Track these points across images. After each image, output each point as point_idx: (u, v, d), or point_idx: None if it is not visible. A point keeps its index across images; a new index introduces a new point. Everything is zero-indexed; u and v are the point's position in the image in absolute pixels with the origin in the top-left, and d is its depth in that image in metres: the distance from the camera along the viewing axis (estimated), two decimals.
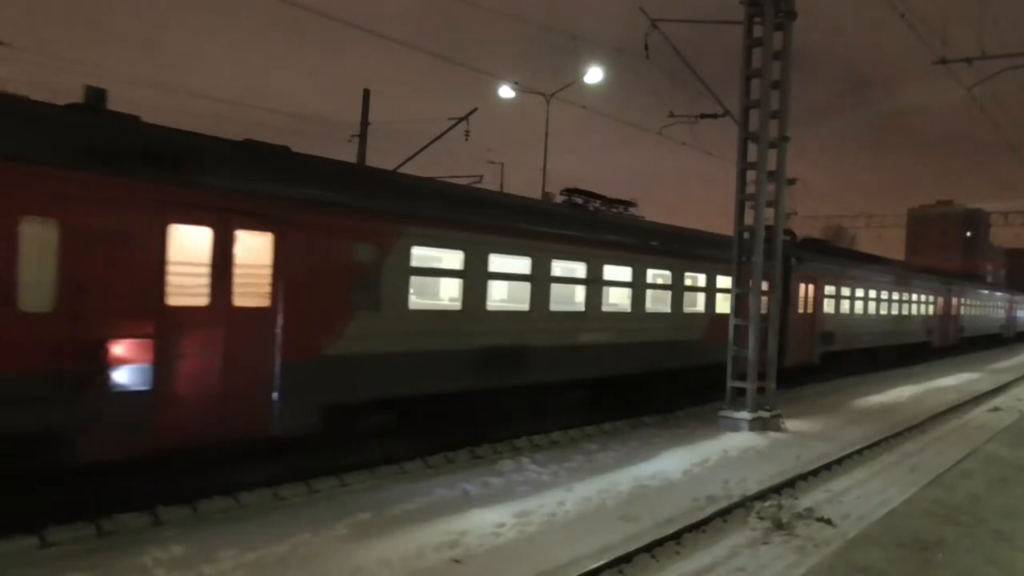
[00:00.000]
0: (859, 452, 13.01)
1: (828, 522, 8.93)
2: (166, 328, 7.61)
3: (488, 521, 8.34)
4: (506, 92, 24.84)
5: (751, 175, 15.04)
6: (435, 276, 11.14)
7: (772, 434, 14.36)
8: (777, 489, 10.24)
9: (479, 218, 11.00)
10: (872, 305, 26.27)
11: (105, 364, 7.17)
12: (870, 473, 11.81)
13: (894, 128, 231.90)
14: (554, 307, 12.32)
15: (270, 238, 8.45)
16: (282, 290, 8.54)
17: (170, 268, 7.63)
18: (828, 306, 22.47)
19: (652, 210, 14.98)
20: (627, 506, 9.22)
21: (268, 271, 8.47)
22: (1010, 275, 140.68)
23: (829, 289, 22.54)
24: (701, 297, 16.65)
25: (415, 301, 10.36)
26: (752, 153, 15.00)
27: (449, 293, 12.08)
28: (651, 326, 14.85)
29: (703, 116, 17.72)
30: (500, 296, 12.39)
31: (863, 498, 10.18)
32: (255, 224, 8.31)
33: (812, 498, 10.07)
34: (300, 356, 8.71)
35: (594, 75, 23.71)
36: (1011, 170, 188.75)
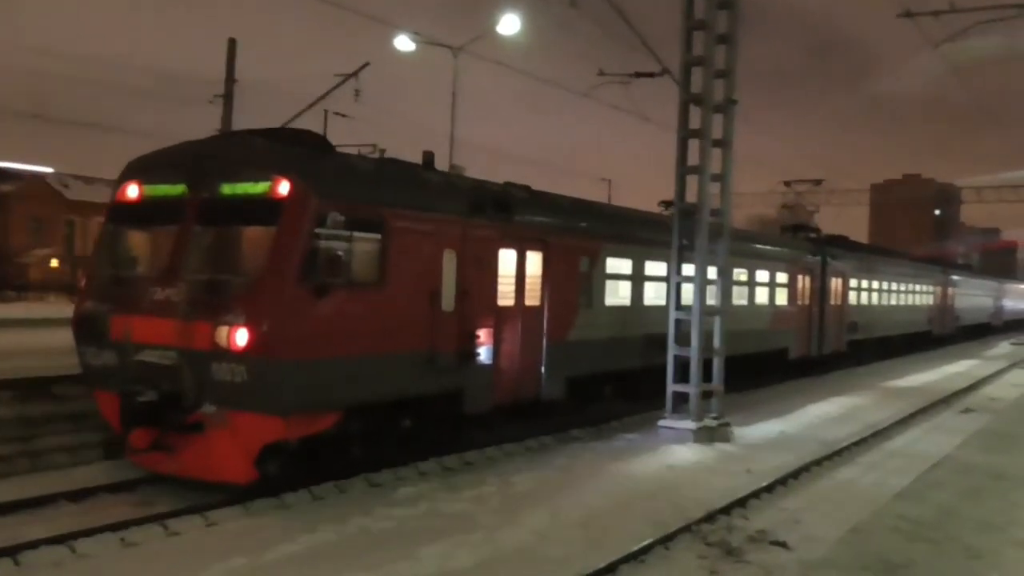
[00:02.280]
0: (818, 463, 13.49)
1: (783, 545, 9.22)
2: (498, 321, 12.65)
3: None
4: (404, 44, 24.66)
5: (694, 144, 15.35)
6: (618, 280, 16.04)
7: (720, 445, 14.74)
8: (726, 509, 10.52)
9: (641, 233, 16.34)
10: (886, 296, 32.87)
11: (475, 346, 12.07)
12: (832, 486, 12.26)
13: (857, 94, 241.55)
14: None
15: (540, 256, 13.69)
16: (547, 293, 13.77)
17: (500, 280, 12.73)
18: (853, 298, 28.63)
19: (582, 185, 15.25)
20: (548, 539, 9.29)
21: (539, 280, 13.71)
22: (983, 258, 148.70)
23: (853, 283, 28.61)
24: (768, 291, 22.05)
25: (608, 300, 15.52)
26: (695, 119, 15.32)
27: (623, 293, 16.30)
28: (742, 316, 19.77)
29: (638, 75, 18.01)
30: (652, 294, 16.86)
31: (822, 516, 10.56)
32: (535, 246, 13.57)
33: (766, 518, 10.39)
34: (555, 341, 13.92)
35: (509, 25, 23.73)
36: (984, 140, 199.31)
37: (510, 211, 12.94)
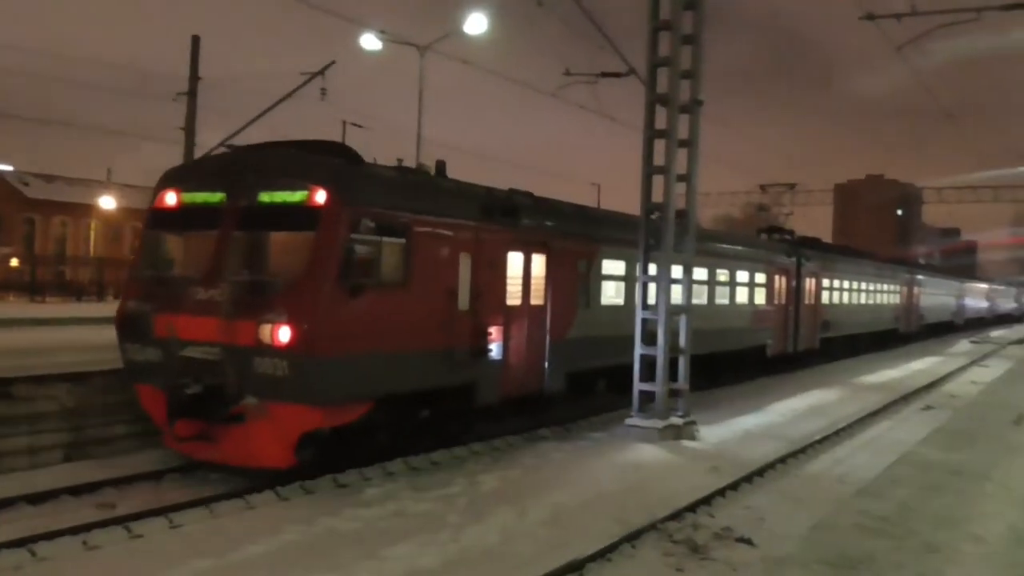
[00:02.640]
0: (782, 460, 13.67)
1: (748, 542, 9.35)
2: (506, 320, 13.50)
3: None
4: (371, 43, 24.57)
5: (661, 144, 15.47)
6: (612, 280, 16.87)
7: (686, 444, 14.89)
8: (692, 507, 10.63)
9: (633, 236, 16.04)
10: (856, 296, 34.25)
11: (487, 343, 12.95)
12: (796, 483, 12.43)
13: (822, 96, 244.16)
14: None
15: (544, 259, 14.50)
16: (549, 293, 14.59)
17: (507, 281, 13.59)
18: (825, 298, 30.04)
19: (551, 185, 15.37)
20: (515, 538, 9.34)
21: (543, 281, 14.51)
22: (944, 257, 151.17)
23: (825, 283, 30.05)
24: (749, 291, 23.15)
25: (604, 299, 16.34)
26: (662, 119, 15.44)
27: (617, 293, 17.14)
28: (727, 315, 21.66)
29: (604, 75, 18.11)
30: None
31: (786, 513, 10.71)
32: (539, 249, 14.39)
33: (731, 515, 10.52)
34: (557, 338, 14.73)
35: (476, 24, 23.74)
36: (945, 141, 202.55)
37: (517, 216, 13.92)
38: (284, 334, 10.17)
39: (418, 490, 11.11)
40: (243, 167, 11.40)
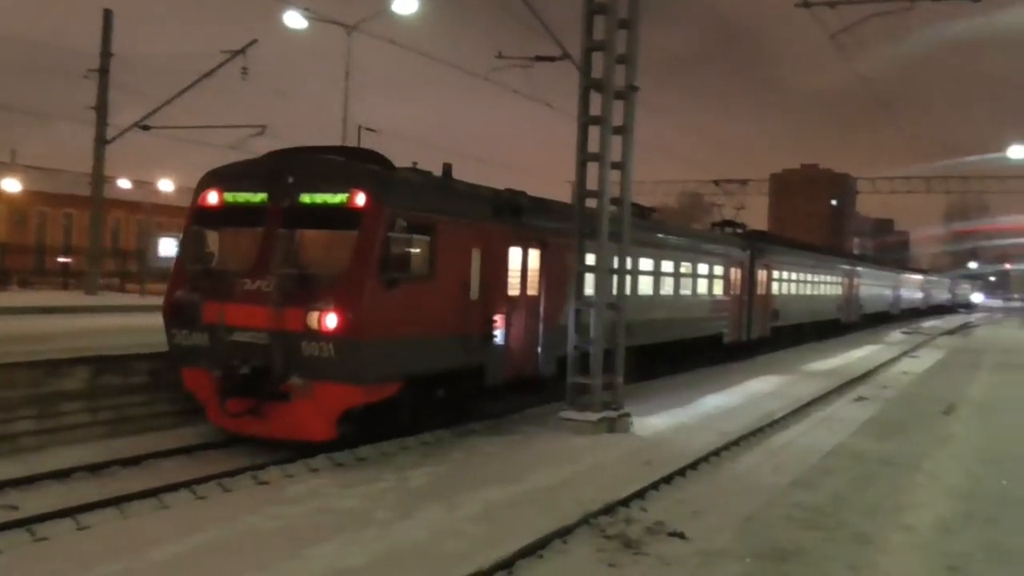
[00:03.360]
0: (716, 453, 13.91)
1: (681, 536, 9.49)
2: (508, 308, 15.08)
3: None
4: (295, 21, 24.21)
5: (595, 131, 15.56)
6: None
7: (620, 436, 15.06)
8: (625, 501, 10.75)
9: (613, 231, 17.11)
10: (802, 287, 36.91)
11: (492, 328, 14.47)
12: (729, 476, 12.66)
13: (758, 84, 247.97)
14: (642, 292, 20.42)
15: (539, 253, 16.00)
16: (544, 285, 16.10)
17: (509, 273, 15.19)
18: (775, 288, 32.44)
19: (482, 171, 15.37)
20: (444, 535, 9.34)
21: (539, 274, 16.05)
22: (877, 247, 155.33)
23: (775, 274, 32.44)
24: (708, 283, 25.19)
25: (589, 290, 16.67)
26: (597, 105, 15.53)
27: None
28: (689, 305, 23.87)
29: (538, 59, 18.11)
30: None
31: (719, 506, 10.90)
32: (536, 245, 15.87)
33: (665, 509, 10.66)
34: (549, 325, 16.26)
35: (405, 3, 23.56)
36: (880, 132, 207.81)
37: (520, 215, 15.43)
38: (331, 321, 11.73)
39: (344, 486, 11.03)
40: (283, 170, 12.73)
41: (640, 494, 11.18)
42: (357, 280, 12.01)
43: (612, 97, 15.37)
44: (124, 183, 56.00)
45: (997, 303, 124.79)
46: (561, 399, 16.66)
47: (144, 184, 57.21)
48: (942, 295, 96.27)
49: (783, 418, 17.53)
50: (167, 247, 33.22)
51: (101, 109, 27.50)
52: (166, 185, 55.10)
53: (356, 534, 9.12)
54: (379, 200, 12.29)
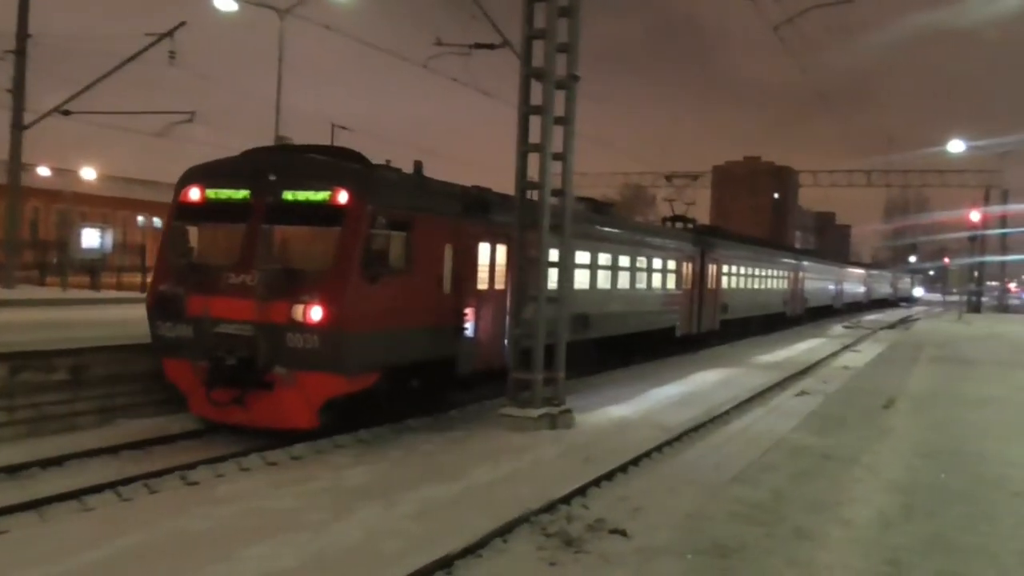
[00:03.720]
0: (659, 449, 14.07)
1: (623, 533, 9.57)
2: (477, 302, 15.70)
3: None
4: (225, 4, 23.80)
5: (536, 121, 15.57)
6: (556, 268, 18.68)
7: (562, 432, 15.13)
8: (566, 499, 10.81)
9: (580, 227, 19.01)
10: (750, 281, 38.47)
11: (464, 321, 15.17)
12: (671, 472, 12.81)
13: (702, 76, 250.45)
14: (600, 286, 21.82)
15: (506, 248, 16.50)
16: (510, 279, 16.44)
17: (478, 268, 15.73)
18: (724, 283, 33.79)
19: (424, 163, 15.19)
20: (381, 534, 9.30)
21: (505, 268, 16.58)
22: (819, 241, 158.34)
23: (725, 268, 33.86)
24: (661, 276, 26.46)
25: (552, 284, 17.29)
26: (537, 95, 15.54)
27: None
28: (645, 299, 25.04)
29: (477, 46, 18.07)
30: (580, 279, 20.20)
31: (661, 502, 11.01)
32: (503, 240, 16.39)
33: (605, 506, 10.74)
34: (516, 319, 16.20)
35: None
36: (822, 124, 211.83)
37: (488, 211, 16.11)
38: (316, 313, 12.47)
39: (277, 486, 10.91)
40: (265, 168, 13.44)
41: (581, 491, 11.26)
42: (341, 274, 12.75)
43: (553, 87, 15.40)
44: (44, 171, 54.60)
45: (936, 297, 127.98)
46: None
47: (65, 172, 55.86)
48: (884, 289, 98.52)
49: (726, 413, 17.79)
50: (90, 238, 32.41)
51: (18, 93, 26.73)
52: (88, 173, 53.83)
53: (289, 535, 9.02)
54: (361, 198, 13.00)
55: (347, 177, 13.22)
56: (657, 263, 26.35)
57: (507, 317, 16.62)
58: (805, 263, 52.44)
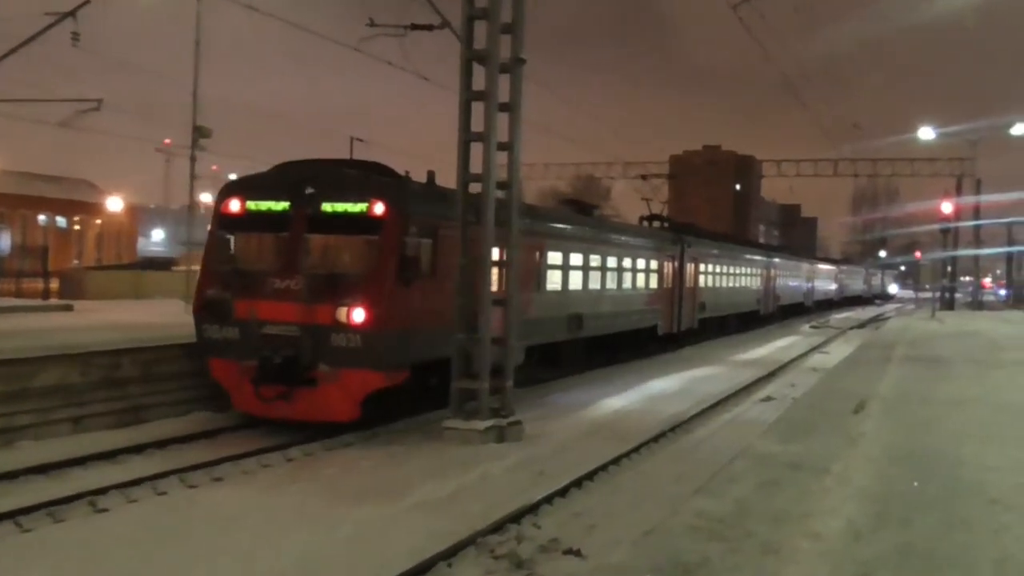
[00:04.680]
0: (615, 462, 14.15)
1: (577, 553, 9.62)
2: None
3: None
4: None
5: (479, 108, 15.56)
6: (555, 269, 22.18)
7: (512, 446, 15.14)
8: (516, 517, 10.84)
9: (565, 228, 23.37)
10: (726, 279, 41.03)
11: (476, 321, 15.76)
12: (629, 486, 12.89)
13: (657, 60, 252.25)
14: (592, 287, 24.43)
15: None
16: (515, 280, 17.16)
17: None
18: (702, 281, 36.23)
19: (358, 152, 15.25)
20: (311, 562, 9.23)
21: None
22: (784, 235, 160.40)
23: (702, 267, 36.32)
24: (645, 276, 28.86)
25: (548, 286, 21.60)
26: (480, 79, 15.53)
27: (556, 280, 22.35)
28: (626, 298, 27.27)
29: (414, 27, 18.01)
30: (575, 281, 23.27)
31: (619, 518, 11.10)
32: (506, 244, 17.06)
33: (559, 524, 10.80)
34: (518, 318, 17.46)
35: None
36: (785, 112, 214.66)
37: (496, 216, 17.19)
38: (358, 315, 14.57)
39: (193, 505, 10.77)
40: (304, 181, 15.49)
41: (533, 508, 11.29)
42: (381, 279, 14.92)
43: (497, 70, 15.41)
44: None
45: (909, 294, 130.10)
46: (521, 387, 18.59)
47: None
48: (857, 286, 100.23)
49: (688, 421, 17.95)
50: None
51: None
52: None
53: (213, 563, 8.92)
54: (396, 209, 15.16)
55: (382, 190, 15.40)
56: (641, 263, 28.77)
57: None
58: (776, 260, 54.40)
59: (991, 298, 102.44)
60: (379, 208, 15.07)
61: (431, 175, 17.15)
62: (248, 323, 15.10)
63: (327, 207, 15.27)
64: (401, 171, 16.99)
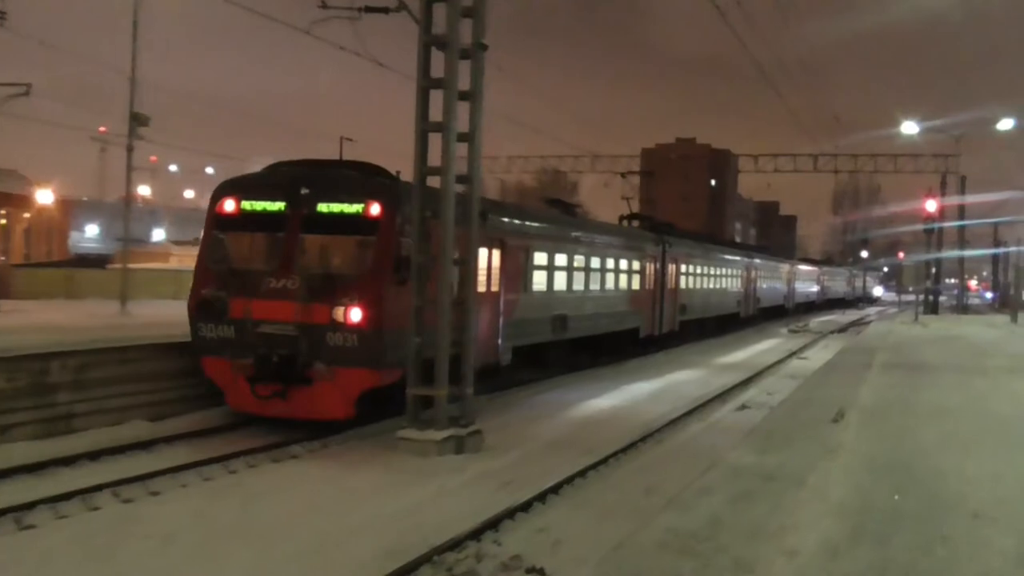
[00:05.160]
0: (583, 474, 14.18)
1: (540, 572, 9.64)
2: (478, 303, 17.28)
3: None
4: None
5: (438, 96, 15.54)
6: (541, 270, 23.20)
7: (471, 457, 15.14)
8: (475, 533, 10.83)
9: (551, 229, 24.68)
10: (707, 280, 42.42)
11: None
12: (597, 499, 12.93)
13: (630, 49, 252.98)
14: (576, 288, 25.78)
15: (500, 252, 20.09)
16: (503, 281, 20.24)
17: (479, 271, 17.37)
18: (683, 282, 37.47)
19: (307, 144, 15.30)
20: None
21: (498, 271, 20.10)
22: (762, 234, 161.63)
23: (683, 268, 37.60)
24: (627, 277, 30.26)
25: (535, 286, 22.62)
26: (439, 66, 15.51)
27: (544, 280, 23.55)
28: (609, 300, 28.65)
29: (368, 9, 17.96)
30: (560, 281, 24.52)
31: (585, 534, 11.13)
32: (497, 245, 19.86)
33: (522, 541, 10.80)
34: (508, 319, 20.57)
35: None
36: (763, 104, 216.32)
37: (485, 218, 18.31)
38: (356, 314, 15.51)
39: (134, 522, 10.70)
40: (299, 182, 16.61)
41: (493, 524, 11.29)
42: (377, 279, 15.87)
43: (457, 56, 15.38)
44: None
45: (891, 296, 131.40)
46: (512, 387, 21.68)
47: None
48: (840, 288, 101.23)
49: (660, 429, 18.06)
50: None
51: None
52: None
53: None
54: (392, 209, 16.14)
55: (378, 191, 16.36)
56: (624, 264, 30.18)
57: (501, 317, 20.45)
58: (757, 261, 55.58)
59: (976, 301, 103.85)
60: (375, 209, 16.03)
61: (397, 176, 17.71)
62: (244, 322, 16.08)
63: (323, 207, 16.27)
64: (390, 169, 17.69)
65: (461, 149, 15.76)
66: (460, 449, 15.28)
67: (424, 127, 15.67)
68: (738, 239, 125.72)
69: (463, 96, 15.60)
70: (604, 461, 15.16)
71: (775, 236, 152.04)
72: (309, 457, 15.00)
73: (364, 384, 15.83)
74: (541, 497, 12.72)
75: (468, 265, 16.11)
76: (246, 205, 16.90)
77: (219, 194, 17.37)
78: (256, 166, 21.98)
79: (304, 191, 16.36)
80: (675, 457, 15.95)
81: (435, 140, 15.67)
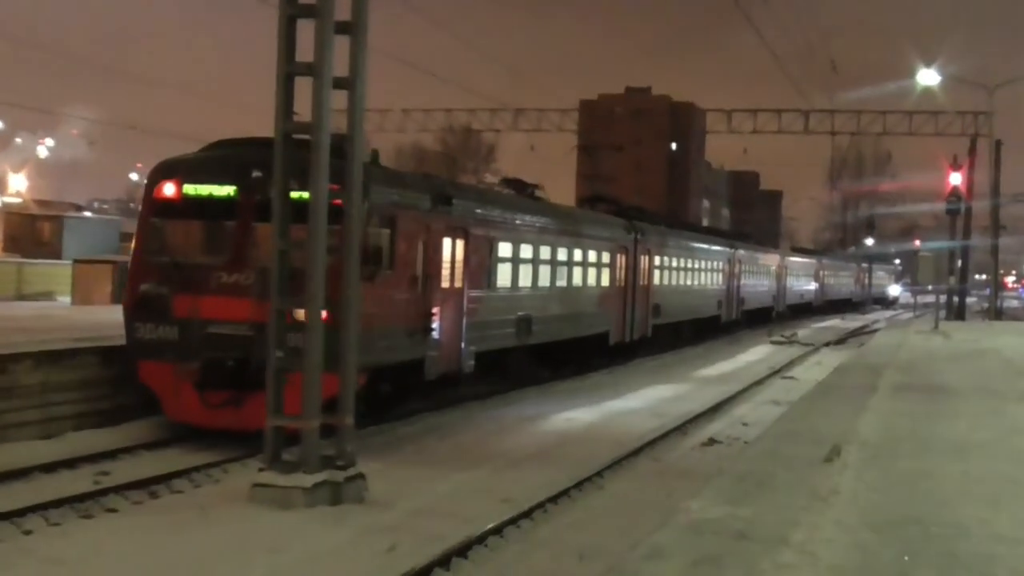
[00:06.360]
0: (498, 531, 14.23)
1: None
2: (441, 301, 21.86)
3: None
4: None
5: (307, 28, 15.50)
6: (507, 263, 25.98)
7: (351, 509, 15.10)
8: None
9: (526, 218, 28.16)
10: (684, 276, 45.22)
11: (432, 322, 21.40)
12: (516, 565, 13.03)
13: None
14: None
15: (463, 242, 23.23)
16: (467, 276, 23.28)
17: (443, 265, 22.07)
18: (656, 278, 40.04)
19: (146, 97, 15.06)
20: None
21: (462, 264, 23.10)
22: (737, 215, 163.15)
23: (657, 260, 40.16)
24: (596, 272, 33.09)
25: (499, 282, 25.64)
26: None
27: (510, 276, 26.51)
28: (573, 299, 31.36)
29: None
30: (524, 277, 27.42)
31: None
32: (460, 235, 23.09)
33: None
34: (471, 320, 23.59)
35: None
36: (734, 45, 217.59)
37: (449, 204, 21.52)
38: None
39: None
40: (249, 163, 18.36)
41: None
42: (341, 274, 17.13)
43: None
44: None
45: (906, 297, 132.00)
46: (476, 399, 25.12)
47: None
48: (847, 286, 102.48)
49: (602, 472, 18.21)
50: None
51: None
52: None
53: None
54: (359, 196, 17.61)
55: (341, 175, 16.68)
56: (593, 256, 32.91)
57: (464, 318, 23.09)
58: (741, 252, 57.58)
59: (1015, 303, 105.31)
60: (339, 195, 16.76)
61: (375, 154, 20.45)
62: (190, 322, 18.02)
63: None
64: None
65: (339, 98, 15.73)
66: (337, 499, 15.19)
67: (289, 69, 15.59)
68: (706, 221, 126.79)
69: (342, 28, 15.54)
70: (528, 513, 15.23)
71: (754, 217, 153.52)
72: (132, 510, 14.82)
73: (327, 390, 16.22)
74: (443, 562, 12.74)
75: (347, 255, 16.10)
76: (189, 189, 18.76)
77: (156, 176, 19.23)
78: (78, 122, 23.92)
79: (256, 174, 17.93)
80: (620, 508, 16.09)
81: (303, 86, 15.67)
